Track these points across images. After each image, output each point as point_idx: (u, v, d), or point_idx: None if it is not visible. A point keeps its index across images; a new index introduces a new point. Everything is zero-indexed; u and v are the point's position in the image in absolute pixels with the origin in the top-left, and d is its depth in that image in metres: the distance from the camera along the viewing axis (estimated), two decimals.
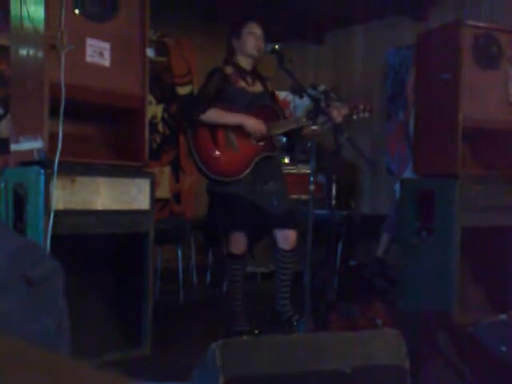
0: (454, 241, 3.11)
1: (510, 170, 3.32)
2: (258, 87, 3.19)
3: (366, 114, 3.11)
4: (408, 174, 3.99)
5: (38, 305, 1.39)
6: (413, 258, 3.34)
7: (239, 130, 3.03)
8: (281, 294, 3.10)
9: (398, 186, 4.26)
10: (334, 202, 4.03)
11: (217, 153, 2.99)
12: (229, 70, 3.11)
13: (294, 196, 3.29)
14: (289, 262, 3.08)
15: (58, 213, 2.22)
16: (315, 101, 2.81)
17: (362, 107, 3.09)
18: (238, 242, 3.05)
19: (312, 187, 2.63)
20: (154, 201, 2.61)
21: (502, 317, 2.07)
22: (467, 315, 2.99)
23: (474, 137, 3.33)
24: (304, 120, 3.10)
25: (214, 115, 2.96)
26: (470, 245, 3.16)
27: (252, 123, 3.00)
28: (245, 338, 2.23)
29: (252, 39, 3.07)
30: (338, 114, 2.99)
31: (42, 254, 1.52)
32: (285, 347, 1.53)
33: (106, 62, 2.55)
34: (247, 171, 3.00)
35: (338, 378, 1.52)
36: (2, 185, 2.43)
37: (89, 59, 2.50)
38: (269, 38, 3.15)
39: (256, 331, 2.99)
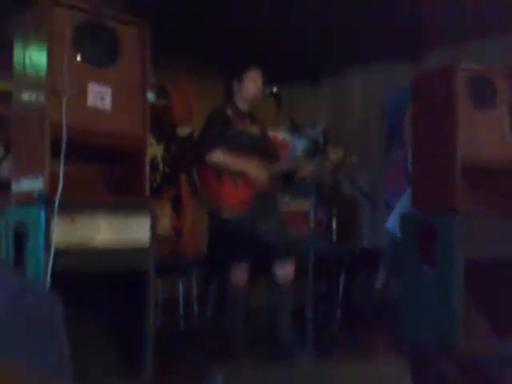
0: (456, 272, 3.11)
1: (507, 210, 3.34)
2: (256, 129, 3.26)
3: (356, 161, 3.18)
4: (402, 206, 4.02)
5: (37, 343, 1.38)
6: (415, 290, 3.33)
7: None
8: (283, 326, 3.07)
9: (390, 223, 4.28)
10: (334, 237, 4.03)
11: (221, 189, 3.03)
12: (229, 111, 3.18)
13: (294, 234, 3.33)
14: (287, 293, 3.08)
15: (58, 251, 2.23)
16: (314, 141, 2.88)
17: (353, 154, 3.18)
18: (241, 273, 3.06)
19: (312, 223, 2.65)
20: (155, 237, 2.61)
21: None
22: (471, 346, 2.95)
23: (471, 174, 3.36)
24: (302, 159, 3.16)
25: (220, 158, 3.02)
26: (473, 277, 3.15)
27: (256, 173, 3.05)
28: (247, 367, 2.17)
29: (253, 86, 3.16)
30: (334, 154, 3.05)
31: (40, 293, 1.52)
32: (288, 377, 1.50)
33: (107, 105, 2.59)
34: (249, 207, 3.03)
35: None
36: (3, 224, 2.44)
37: (90, 103, 2.54)
38: (266, 80, 3.23)
39: (258, 361, 2.95)
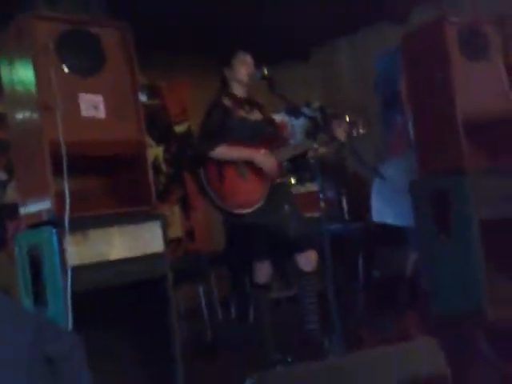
0: (474, 236, 3.07)
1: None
2: (256, 115, 3.20)
3: (366, 130, 3.07)
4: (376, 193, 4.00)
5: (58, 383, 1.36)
6: (436, 261, 3.29)
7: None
8: (309, 317, 3.05)
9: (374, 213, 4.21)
10: (346, 216, 4.00)
11: (230, 186, 2.99)
12: (226, 100, 3.13)
13: (307, 214, 3.28)
14: (313, 283, 3.06)
15: (74, 269, 2.22)
16: (312, 119, 2.83)
17: (361, 123, 3.05)
18: (263, 272, 3.04)
19: (322, 204, 2.62)
20: (167, 242, 2.60)
21: None
22: (499, 310, 2.94)
23: (473, 130, 3.31)
24: (307, 143, 3.09)
25: (223, 152, 2.97)
26: (491, 238, 3.12)
27: (264, 161, 2.99)
28: (279, 368, 2.18)
29: (244, 69, 3.11)
30: (340, 131, 2.94)
31: (59, 330, 1.50)
32: (322, 374, 1.49)
33: (101, 113, 2.56)
34: (262, 200, 3.00)
35: None
36: (17, 249, 2.44)
37: (84, 114, 2.51)
38: (255, 63, 3.18)
39: (289, 359, 2.94)
